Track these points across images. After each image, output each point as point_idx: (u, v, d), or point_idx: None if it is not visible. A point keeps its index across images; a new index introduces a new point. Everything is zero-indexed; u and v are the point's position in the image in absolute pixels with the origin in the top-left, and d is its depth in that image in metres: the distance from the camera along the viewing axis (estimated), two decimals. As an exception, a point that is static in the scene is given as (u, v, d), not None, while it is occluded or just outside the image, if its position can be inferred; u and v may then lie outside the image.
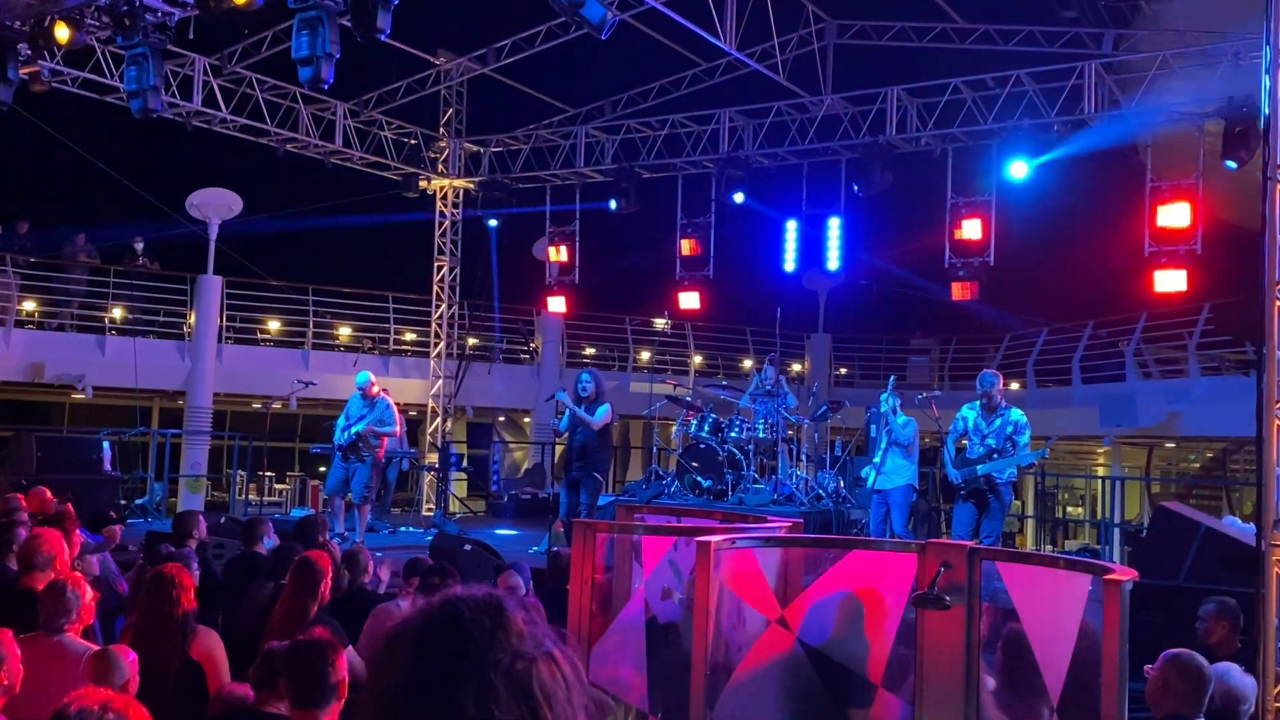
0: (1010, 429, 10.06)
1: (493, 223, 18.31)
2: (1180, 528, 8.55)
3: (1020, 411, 10.25)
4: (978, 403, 10.30)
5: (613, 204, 16.96)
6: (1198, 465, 22.87)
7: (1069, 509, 22.32)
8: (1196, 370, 17.91)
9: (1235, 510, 17.51)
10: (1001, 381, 10.50)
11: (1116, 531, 15.47)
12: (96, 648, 4.69)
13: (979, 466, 10.08)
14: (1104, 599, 3.38)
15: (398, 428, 12.69)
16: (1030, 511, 18.66)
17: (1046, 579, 3.82)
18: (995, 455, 10.05)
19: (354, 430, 12.03)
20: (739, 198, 16.02)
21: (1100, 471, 22.23)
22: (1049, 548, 16.19)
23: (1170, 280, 13.32)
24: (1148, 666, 4.53)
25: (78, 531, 7.33)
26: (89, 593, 4.89)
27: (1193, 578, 7.94)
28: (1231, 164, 12.65)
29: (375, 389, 12.33)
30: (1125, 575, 3.45)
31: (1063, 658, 3.58)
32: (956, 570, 3.85)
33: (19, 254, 17.10)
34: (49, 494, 9.21)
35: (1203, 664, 4.51)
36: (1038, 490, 17.58)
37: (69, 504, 8.54)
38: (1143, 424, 17.84)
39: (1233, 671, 4.88)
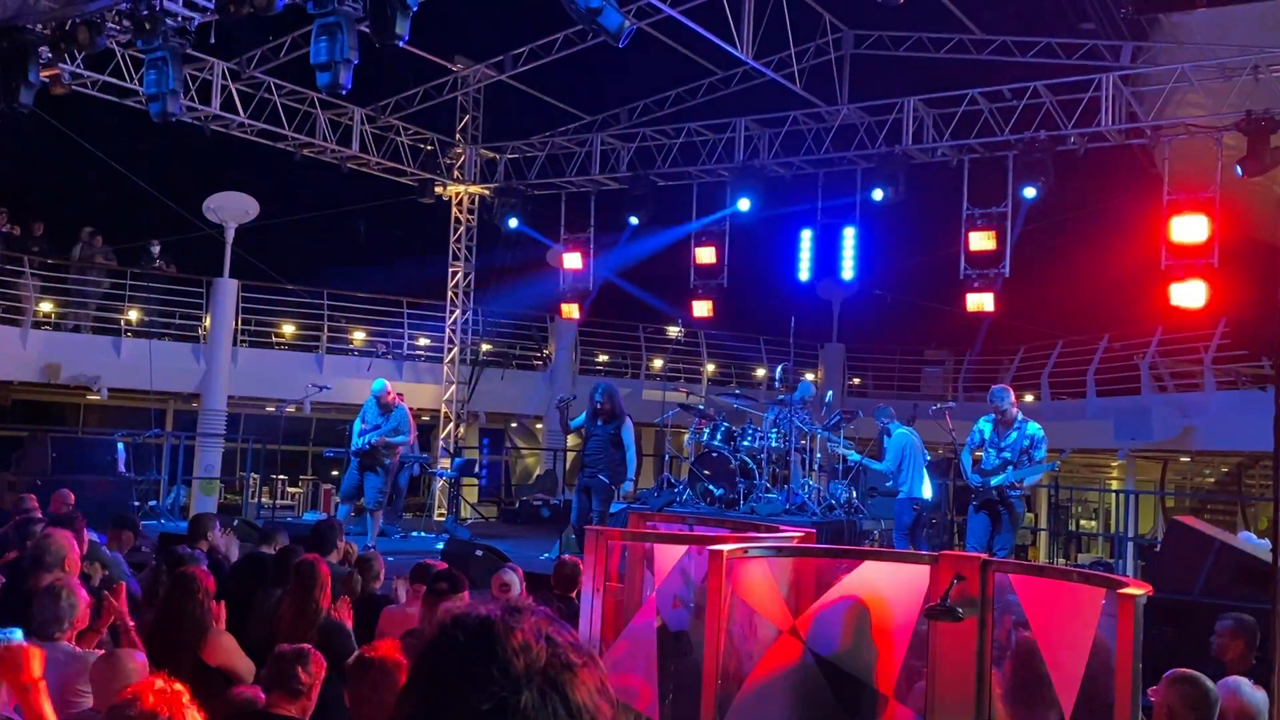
0: (1026, 443, 10.01)
1: (513, 223, 18.30)
2: (1195, 542, 8.50)
3: (1037, 425, 10.18)
4: (993, 415, 10.26)
5: (634, 220, 16.98)
6: (1212, 480, 22.76)
7: (1082, 522, 22.22)
8: (1212, 384, 17.83)
9: (1250, 525, 17.41)
10: (1014, 396, 10.44)
11: (1130, 545, 15.39)
12: (94, 652, 4.68)
13: (992, 478, 10.05)
14: (1118, 613, 3.36)
15: (411, 436, 12.69)
16: (1043, 524, 18.59)
17: (1060, 592, 3.80)
18: (1010, 468, 10.03)
19: (368, 439, 12.06)
20: (744, 204, 16.05)
21: (1114, 485, 22.13)
22: (1062, 561, 16.11)
23: (1187, 294, 13.26)
24: (1150, 689, 4.47)
25: (85, 532, 7.35)
26: (85, 599, 4.84)
27: (1207, 593, 7.89)
28: (1239, 169, 12.60)
29: (391, 396, 12.33)
30: (1139, 589, 3.43)
31: (1076, 672, 3.56)
32: (969, 582, 3.83)
33: (36, 256, 17.19)
34: (71, 496, 9.25)
35: (1207, 686, 4.45)
36: (1051, 503, 17.50)
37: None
38: (1157, 438, 17.77)
39: (1243, 686, 4.84)
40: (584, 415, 11.43)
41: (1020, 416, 10.23)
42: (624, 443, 11.11)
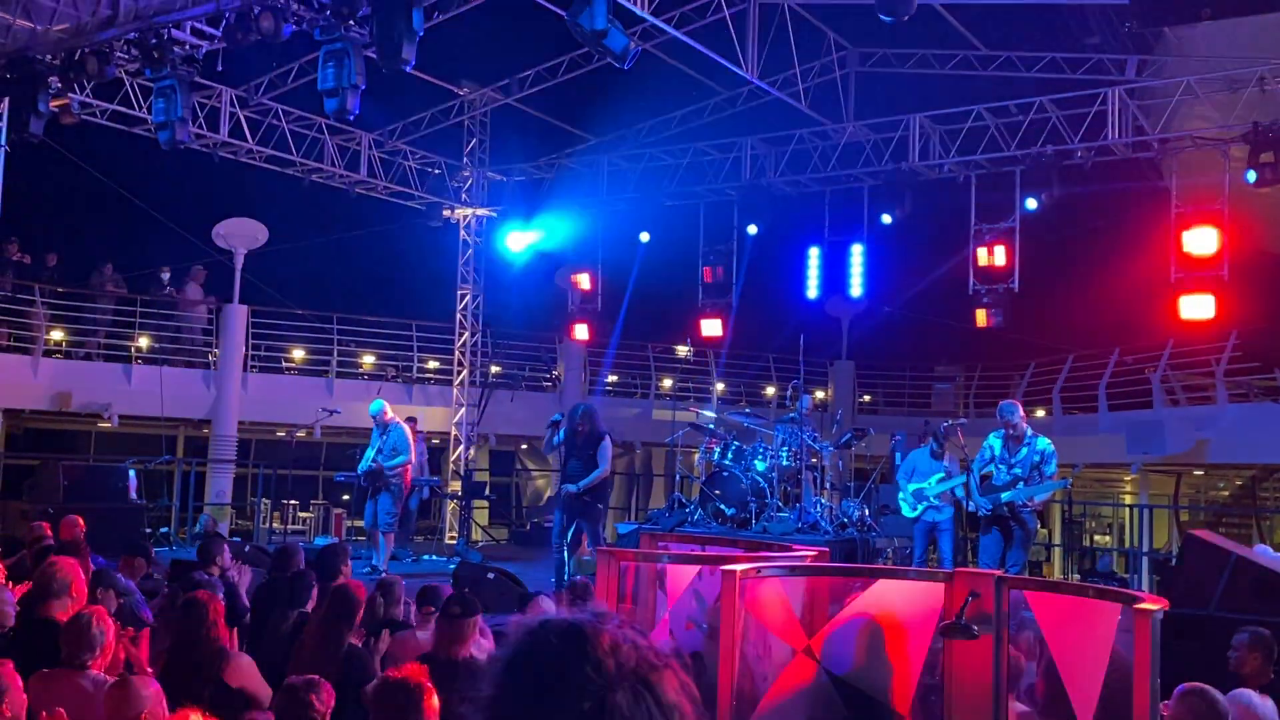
0: (1037, 458, 9.96)
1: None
2: (1211, 556, 8.44)
3: (1047, 440, 10.14)
4: (1003, 431, 10.23)
5: (644, 236, 17.02)
6: (1226, 493, 22.62)
7: (1096, 537, 22.10)
8: (1224, 397, 17.75)
9: (1266, 538, 17.31)
10: (1022, 411, 10.39)
11: (1145, 560, 15.31)
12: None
13: (1003, 494, 10.00)
14: (1134, 628, 3.34)
15: (411, 455, 12.68)
16: (1057, 540, 18.51)
17: (1076, 608, 3.77)
18: (1021, 484, 9.98)
19: (367, 463, 12.20)
20: (752, 229, 16.12)
21: (1127, 500, 22.02)
22: (1076, 577, 16.03)
23: (1197, 306, 13.22)
24: (1164, 703, 4.47)
25: (89, 560, 7.34)
26: (112, 627, 4.87)
27: (1224, 607, 7.82)
28: (1253, 174, 12.55)
29: (388, 416, 12.44)
30: (1156, 604, 3.41)
31: (1093, 687, 3.54)
32: (984, 599, 3.81)
33: (47, 284, 17.26)
34: (80, 522, 9.25)
35: (1216, 699, 4.43)
36: (1065, 519, 17.42)
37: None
38: (1170, 451, 17.69)
39: (1254, 698, 4.84)
40: (561, 435, 11.26)
41: (1030, 432, 10.18)
42: (598, 460, 10.92)
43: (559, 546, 10.81)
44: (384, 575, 8.43)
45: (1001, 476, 10.14)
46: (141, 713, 4.09)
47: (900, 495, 11.72)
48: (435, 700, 3.85)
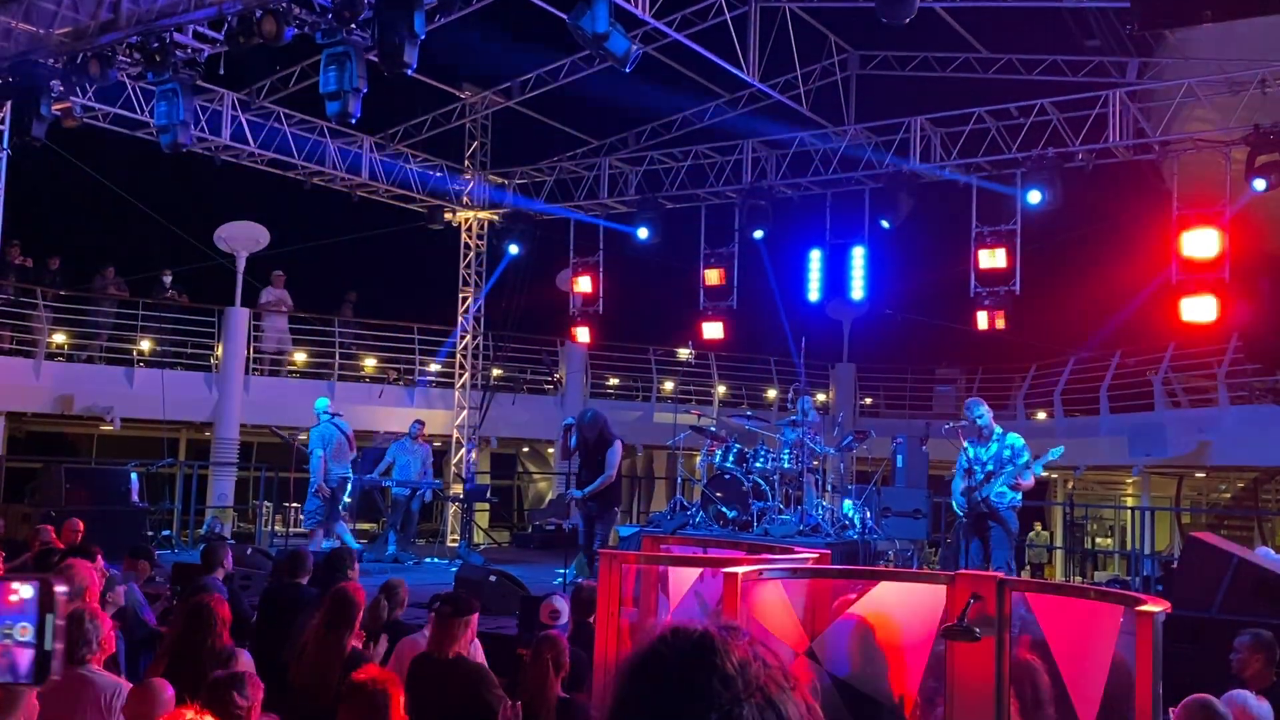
0: (1008, 453, 10.04)
1: (513, 250, 18.35)
2: (1213, 558, 8.44)
3: (1017, 435, 10.22)
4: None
5: (643, 233, 17.01)
6: (1228, 495, 22.62)
7: (1098, 540, 22.09)
8: (1226, 399, 17.75)
9: (1268, 541, 17.29)
10: (987, 407, 10.39)
11: (1147, 562, 15.30)
12: (122, 680, 4.70)
13: (979, 491, 10.04)
14: (1136, 631, 3.33)
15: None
16: (1059, 543, 18.50)
17: (1077, 610, 3.77)
18: (994, 479, 10.02)
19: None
20: (758, 234, 16.11)
21: (1129, 502, 22.00)
22: (1078, 579, 16.01)
23: (1198, 308, 13.20)
24: (1172, 709, 4.47)
25: (101, 562, 7.36)
26: (108, 622, 4.89)
27: (1226, 609, 7.83)
28: (1260, 182, 12.52)
29: (327, 411, 13.29)
30: (1158, 606, 3.41)
31: (1095, 691, 3.54)
32: (986, 602, 3.81)
33: (49, 287, 17.28)
34: (81, 525, 9.27)
35: (1222, 715, 4.44)
36: (1066, 521, 17.39)
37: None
38: (1172, 454, 17.69)
39: (1250, 699, 4.84)
40: (574, 440, 11.33)
41: (1000, 430, 10.25)
42: (605, 465, 10.99)
43: (587, 553, 10.96)
44: (389, 578, 8.45)
45: (978, 476, 10.19)
46: (161, 715, 4.10)
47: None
48: (401, 700, 3.85)
